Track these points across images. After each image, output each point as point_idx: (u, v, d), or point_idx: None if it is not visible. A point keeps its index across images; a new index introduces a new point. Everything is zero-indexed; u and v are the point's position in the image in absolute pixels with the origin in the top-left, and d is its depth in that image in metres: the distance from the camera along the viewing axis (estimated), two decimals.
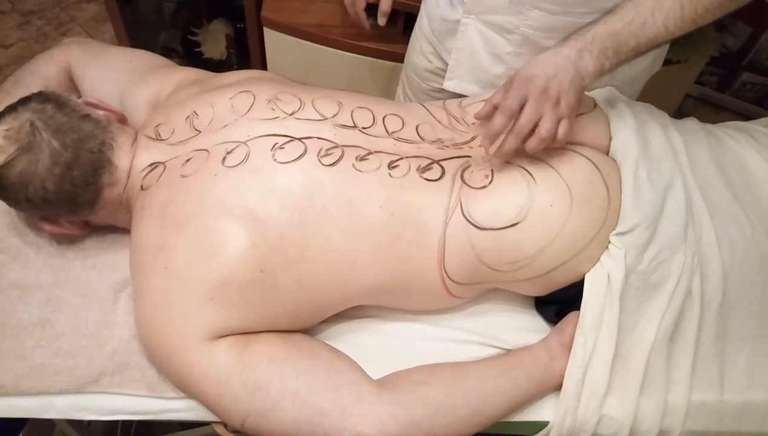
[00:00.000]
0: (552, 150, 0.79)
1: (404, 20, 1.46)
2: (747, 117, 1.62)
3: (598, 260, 0.76)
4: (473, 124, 0.84)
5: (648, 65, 0.98)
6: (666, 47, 0.96)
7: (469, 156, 0.80)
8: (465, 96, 0.95)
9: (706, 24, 0.71)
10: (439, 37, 1.01)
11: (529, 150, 0.73)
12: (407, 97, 1.19)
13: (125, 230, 0.81)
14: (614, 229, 0.75)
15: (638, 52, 0.72)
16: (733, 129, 0.99)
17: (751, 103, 2.09)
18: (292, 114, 0.77)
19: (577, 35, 0.72)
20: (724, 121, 1.04)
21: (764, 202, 0.87)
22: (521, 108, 0.71)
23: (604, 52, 0.71)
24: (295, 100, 0.79)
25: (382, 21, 1.10)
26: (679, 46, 1.55)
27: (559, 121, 0.71)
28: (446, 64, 1.01)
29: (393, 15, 1.47)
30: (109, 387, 0.75)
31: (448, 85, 1.02)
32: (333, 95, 0.81)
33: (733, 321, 0.79)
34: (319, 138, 0.75)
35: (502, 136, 0.74)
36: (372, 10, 1.44)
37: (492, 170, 0.77)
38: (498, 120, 0.72)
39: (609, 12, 0.72)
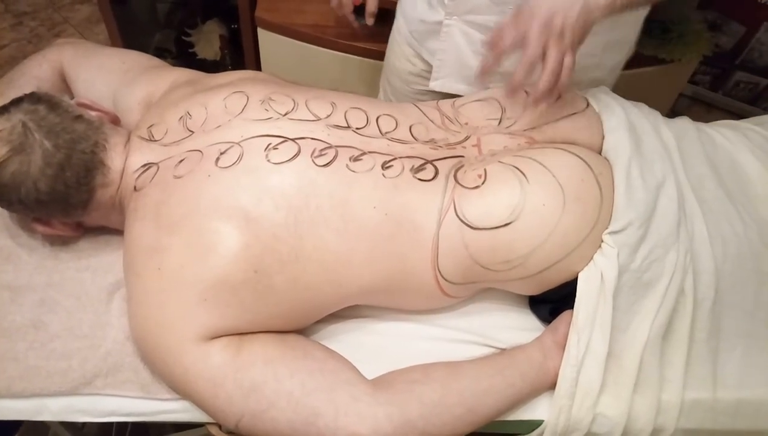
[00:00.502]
0: (544, 148, 0.80)
1: None
2: (740, 116, 1.63)
3: (592, 258, 0.76)
4: (466, 124, 0.84)
5: (627, 53, 0.98)
6: (638, 30, 0.95)
7: (463, 156, 0.80)
8: (453, 95, 0.95)
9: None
10: (418, 38, 1.01)
11: (540, 90, 0.71)
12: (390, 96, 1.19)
13: (119, 231, 0.81)
14: (607, 227, 0.75)
15: None
16: (725, 128, 0.99)
17: (744, 102, 2.09)
18: (285, 114, 0.77)
19: None
20: (717, 120, 1.04)
21: (756, 200, 0.88)
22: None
23: None
24: (289, 100, 0.79)
25: (370, 21, 1.10)
26: (673, 46, 1.55)
27: (563, 55, 0.70)
28: (429, 65, 1.01)
29: (385, 15, 1.47)
30: (103, 389, 0.75)
31: (435, 85, 1.02)
32: (326, 96, 0.81)
33: (726, 319, 0.80)
34: (312, 138, 0.75)
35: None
36: (362, 10, 1.45)
37: (485, 170, 0.77)
38: (488, 62, 0.72)
39: None
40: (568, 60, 0.71)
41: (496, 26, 0.74)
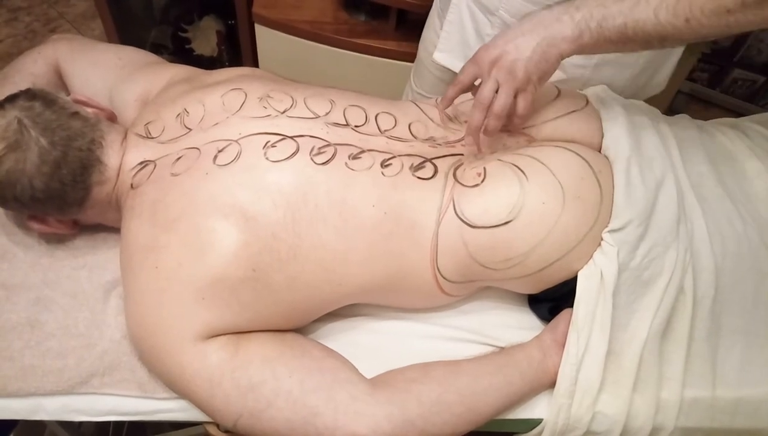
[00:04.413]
0: (543, 146, 0.79)
1: (396, 17, 1.46)
2: (738, 114, 1.63)
3: (591, 257, 0.76)
4: (465, 122, 0.84)
5: (636, 77, 0.95)
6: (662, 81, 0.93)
7: (462, 154, 0.80)
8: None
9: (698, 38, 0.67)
10: (443, 8, 1.02)
11: (489, 132, 0.72)
12: (413, 84, 1.18)
13: (115, 229, 0.81)
14: (607, 226, 0.75)
15: (624, 36, 0.66)
16: (724, 126, 0.99)
17: (742, 99, 2.10)
18: (284, 112, 0.77)
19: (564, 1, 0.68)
20: (715, 117, 1.04)
21: (756, 198, 0.88)
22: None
23: (587, 20, 0.67)
24: (287, 98, 0.78)
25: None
26: None
27: (516, 94, 0.69)
28: None
29: (385, 11, 1.47)
30: (99, 388, 0.74)
31: (438, 57, 1.02)
32: (325, 93, 0.81)
33: (725, 317, 0.80)
34: (311, 136, 0.75)
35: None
36: (359, 8, 1.44)
37: (484, 168, 0.77)
38: (449, 92, 0.73)
39: None
40: (521, 101, 0.70)
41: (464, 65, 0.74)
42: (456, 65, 1.00)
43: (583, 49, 0.69)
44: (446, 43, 0.99)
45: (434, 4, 1.10)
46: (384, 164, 0.75)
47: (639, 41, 0.67)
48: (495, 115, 0.70)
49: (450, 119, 0.84)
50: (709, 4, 0.61)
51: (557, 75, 0.90)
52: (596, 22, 0.67)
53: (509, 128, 0.78)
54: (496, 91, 0.72)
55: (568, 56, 0.70)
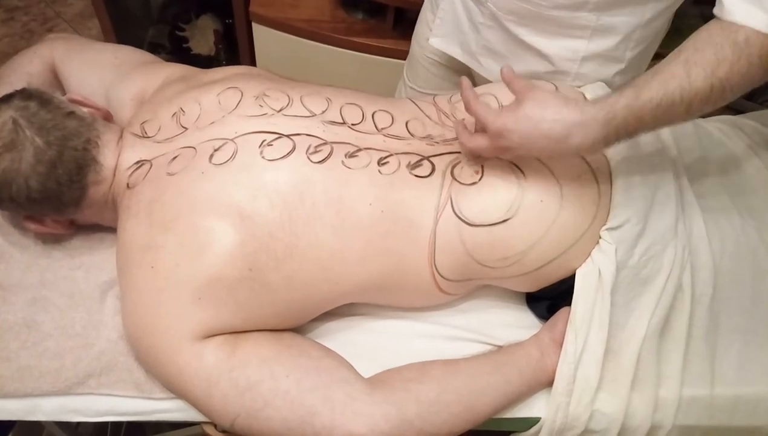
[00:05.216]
0: None
1: (394, 15, 1.46)
2: (737, 111, 1.62)
3: (589, 255, 0.75)
4: (463, 119, 0.84)
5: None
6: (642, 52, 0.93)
7: (459, 152, 0.79)
8: (453, 67, 0.95)
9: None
10: (434, 1, 1.02)
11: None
12: (407, 79, 1.18)
13: (112, 229, 0.80)
14: (605, 224, 0.75)
15: (646, 131, 0.66)
16: (723, 123, 0.99)
17: (740, 97, 2.09)
18: (280, 111, 0.76)
19: (605, 102, 0.64)
20: (714, 115, 1.04)
21: (754, 195, 0.88)
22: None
23: (617, 129, 0.64)
24: (284, 96, 0.78)
25: None
26: (669, 40, 1.55)
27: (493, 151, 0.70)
28: None
29: (383, 9, 1.47)
30: (96, 388, 0.74)
31: (434, 42, 1.01)
32: (322, 91, 0.81)
33: (723, 315, 0.80)
34: (307, 135, 0.74)
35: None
36: (357, 6, 1.43)
37: (482, 166, 0.76)
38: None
39: (632, 85, 0.64)
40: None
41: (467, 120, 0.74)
42: (450, 50, 1.00)
43: (598, 150, 0.68)
44: (440, 28, 1.00)
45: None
46: (381, 162, 0.75)
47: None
48: (468, 148, 0.72)
49: (447, 117, 0.84)
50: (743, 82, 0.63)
51: (546, 66, 0.90)
52: (624, 130, 0.64)
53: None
54: None
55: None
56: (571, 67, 0.88)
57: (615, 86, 0.92)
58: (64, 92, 0.92)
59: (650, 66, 0.70)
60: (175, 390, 0.71)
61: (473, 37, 0.94)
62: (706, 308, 0.78)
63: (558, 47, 0.86)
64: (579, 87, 0.91)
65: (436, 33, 1.01)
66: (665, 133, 0.87)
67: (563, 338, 0.75)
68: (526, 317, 0.86)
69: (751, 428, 0.81)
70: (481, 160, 0.77)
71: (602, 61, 0.88)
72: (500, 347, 0.80)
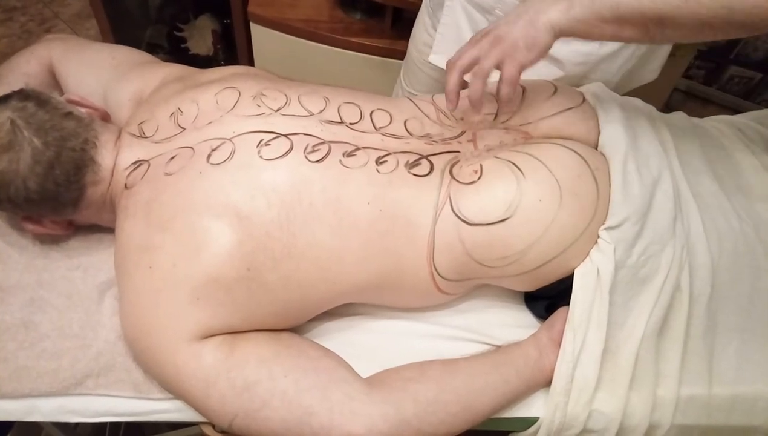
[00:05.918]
0: (540, 143, 0.79)
1: (392, 15, 1.46)
2: (734, 111, 1.63)
3: (588, 254, 0.75)
4: (461, 119, 0.84)
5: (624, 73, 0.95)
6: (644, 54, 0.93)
7: (458, 151, 0.79)
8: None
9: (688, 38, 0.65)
10: (434, 8, 1.01)
11: (472, 99, 0.72)
12: (404, 83, 1.18)
13: (110, 230, 0.80)
14: (603, 223, 0.75)
15: (617, 14, 0.63)
16: (721, 123, 0.99)
17: (738, 96, 2.10)
18: (277, 110, 0.76)
19: None
20: (711, 114, 1.04)
21: (752, 195, 0.88)
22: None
23: None
24: (281, 96, 0.78)
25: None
26: None
27: (502, 60, 0.69)
28: None
29: (381, 9, 1.47)
30: (94, 389, 0.74)
31: (434, 58, 1.01)
32: (319, 91, 0.81)
33: (721, 314, 0.80)
34: (305, 134, 0.74)
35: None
36: (356, 4, 1.43)
37: (481, 166, 0.76)
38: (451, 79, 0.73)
39: None
40: (506, 67, 0.69)
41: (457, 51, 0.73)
42: None
43: (575, 24, 0.66)
44: (441, 44, 0.99)
45: (423, 1, 1.09)
46: (379, 161, 0.74)
47: (635, 23, 0.64)
48: (477, 75, 0.70)
49: (446, 116, 0.84)
50: None
51: (556, 72, 0.89)
52: None
53: (500, 110, 0.77)
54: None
55: (559, 28, 0.67)
56: (582, 70, 0.89)
57: (615, 86, 0.93)
58: (61, 93, 0.92)
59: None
60: (173, 391, 0.71)
61: None
62: (704, 308, 0.78)
63: (570, 51, 0.85)
64: (579, 87, 0.91)
65: (437, 49, 1.00)
66: (663, 132, 0.87)
67: (561, 337, 0.75)
68: (525, 316, 0.86)
69: (749, 427, 0.81)
70: (480, 160, 0.77)
71: (610, 60, 0.88)
72: (499, 346, 0.80)
